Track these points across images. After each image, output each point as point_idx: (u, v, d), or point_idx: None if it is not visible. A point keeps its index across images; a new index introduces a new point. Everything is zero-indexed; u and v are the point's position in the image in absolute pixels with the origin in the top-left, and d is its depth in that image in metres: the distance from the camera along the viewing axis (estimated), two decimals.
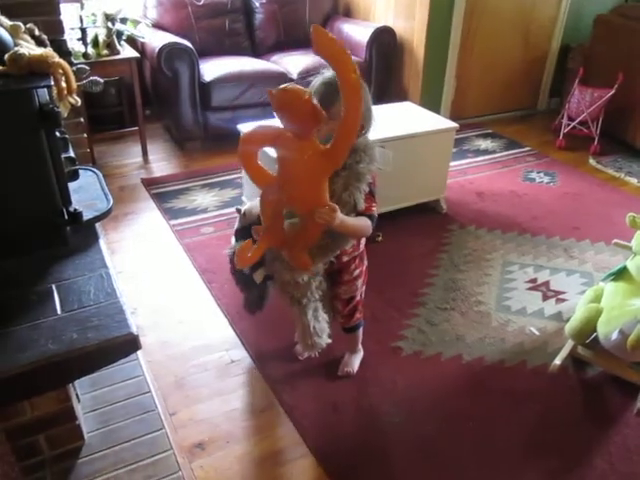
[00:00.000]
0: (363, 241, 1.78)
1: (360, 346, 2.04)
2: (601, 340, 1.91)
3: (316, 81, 1.55)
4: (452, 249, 2.78)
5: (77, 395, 1.68)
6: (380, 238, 2.73)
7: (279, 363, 2.03)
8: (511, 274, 2.60)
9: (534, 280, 2.56)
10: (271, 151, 1.51)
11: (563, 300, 2.43)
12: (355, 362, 2.02)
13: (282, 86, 1.30)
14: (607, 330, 1.86)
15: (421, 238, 2.86)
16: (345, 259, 1.74)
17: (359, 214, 1.56)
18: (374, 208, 1.60)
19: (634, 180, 3.57)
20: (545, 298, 2.45)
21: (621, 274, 2.09)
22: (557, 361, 2.05)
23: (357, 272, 1.78)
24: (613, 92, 3.76)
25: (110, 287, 1.29)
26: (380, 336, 2.17)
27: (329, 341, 1.77)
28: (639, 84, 3.76)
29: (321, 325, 1.74)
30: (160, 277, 2.51)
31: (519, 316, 2.33)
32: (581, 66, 3.98)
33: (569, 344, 2.09)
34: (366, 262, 1.84)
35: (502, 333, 2.23)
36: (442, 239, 2.86)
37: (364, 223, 1.57)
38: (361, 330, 1.98)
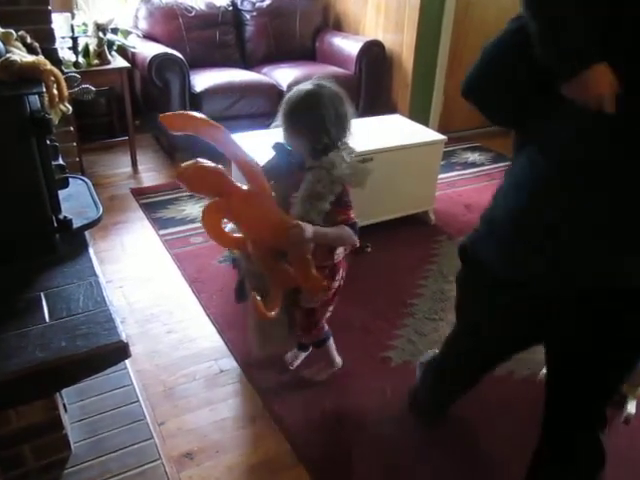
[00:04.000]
0: (338, 256, 1.70)
1: (337, 360, 2.00)
2: None
3: (288, 97, 1.57)
4: (441, 260, 2.79)
5: (64, 405, 1.66)
6: (369, 249, 2.74)
7: (268, 372, 2.02)
8: None
9: None
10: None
11: None
12: (323, 373, 1.99)
13: (180, 171, 1.44)
14: None
15: (410, 249, 2.87)
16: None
17: (337, 224, 1.55)
18: (352, 216, 1.58)
19: None
20: None
21: None
22: (545, 370, 2.05)
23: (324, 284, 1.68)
24: None
25: (99, 295, 1.28)
26: (369, 346, 2.17)
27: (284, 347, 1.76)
28: None
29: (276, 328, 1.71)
30: (149, 287, 2.49)
31: None
32: None
33: None
34: (339, 282, 1.76)
35: None
36: (431, 250, 2.88)
37: (343, 231, 1.56)
38: (330, 347, 1.95)
